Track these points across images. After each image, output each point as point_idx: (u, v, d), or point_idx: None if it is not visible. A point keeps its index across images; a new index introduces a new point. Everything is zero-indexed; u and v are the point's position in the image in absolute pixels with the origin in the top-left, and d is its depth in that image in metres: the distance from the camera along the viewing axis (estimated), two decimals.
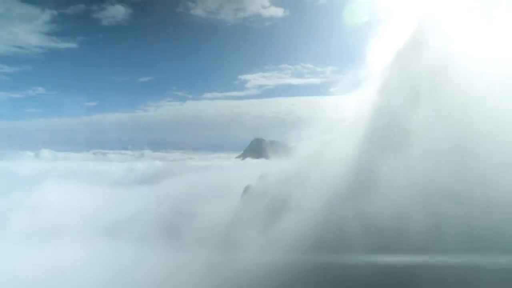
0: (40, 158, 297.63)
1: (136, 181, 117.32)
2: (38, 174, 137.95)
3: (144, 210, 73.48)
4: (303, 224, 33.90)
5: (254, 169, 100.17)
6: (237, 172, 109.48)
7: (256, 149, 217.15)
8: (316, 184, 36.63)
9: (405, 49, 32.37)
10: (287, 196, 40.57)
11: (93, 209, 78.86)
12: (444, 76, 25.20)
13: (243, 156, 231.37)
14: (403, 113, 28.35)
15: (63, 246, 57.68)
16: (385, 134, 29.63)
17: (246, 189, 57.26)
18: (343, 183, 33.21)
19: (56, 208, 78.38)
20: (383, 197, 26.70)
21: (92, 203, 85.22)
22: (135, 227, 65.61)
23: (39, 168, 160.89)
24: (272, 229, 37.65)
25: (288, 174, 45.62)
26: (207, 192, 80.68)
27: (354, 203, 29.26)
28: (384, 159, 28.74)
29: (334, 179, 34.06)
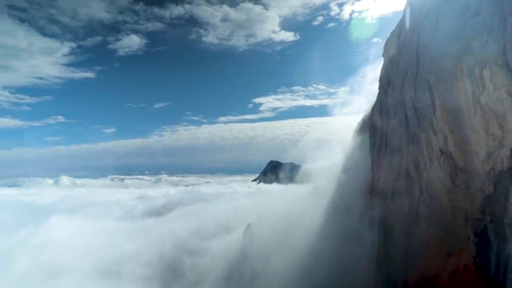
0: (59, 185, 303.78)
1: (145, 213, 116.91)
2: (52, 204, 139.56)
3: (147, 248, 72.55)
4: None
5: (263, 199, 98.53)
6: (246, 202, 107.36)
7: (272, 171, 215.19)
8: (283, 256, 36.31)
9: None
10: (265, 259, 40.21)
11: (96, 247, 78.26)
12: None
13: (259, 179, 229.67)
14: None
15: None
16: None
17: (247, 228, 56.48)
18: (311, 253, 32.55)
19: (59, 246, 78.34)
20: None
21: (96, 240, 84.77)
22: (135, 267, 64.78)
23: (55, 197, 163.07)
24: None
25: (273, 230, 45.16)
26: (213, 227, 79.63)
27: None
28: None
29: (301, 250, 33.59)
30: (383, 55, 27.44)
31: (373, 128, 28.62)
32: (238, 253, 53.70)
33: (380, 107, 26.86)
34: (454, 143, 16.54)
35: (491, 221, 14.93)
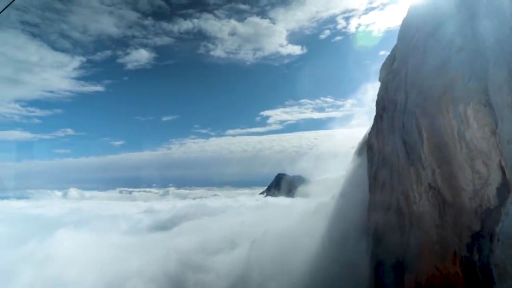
0: (68, 197, 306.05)
1: (151, 227, 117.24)
2: (59, 217, 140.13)
3: (152, 263, 72.16)
4: None
5: (269, 213, 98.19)
6: (252, 216, 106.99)
7: (279, 184, 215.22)
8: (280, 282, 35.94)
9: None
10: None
11: (100, 262, 78.00)
12: None
13: (267, 191, 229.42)
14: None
15: None
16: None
17: (253, 244, 56.41)
18: (307, 280, 32.13)
19: (64, 260, 78.12)
20: None
21: (101, 255, 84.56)
22: (139, 282, 64.43)
23: (63, 210, 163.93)
24: None
25: (274, 250, 44.90)
26: (219, 242, 79.23)
27: None
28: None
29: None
30: (379, 79, 27.25)
31: (370, 151, 28.33)
32: (242, 270, 53.29)
33: (376, 131, 26.62)
34: (442, 178, 16.20)
35: (479, 260, 14.56)
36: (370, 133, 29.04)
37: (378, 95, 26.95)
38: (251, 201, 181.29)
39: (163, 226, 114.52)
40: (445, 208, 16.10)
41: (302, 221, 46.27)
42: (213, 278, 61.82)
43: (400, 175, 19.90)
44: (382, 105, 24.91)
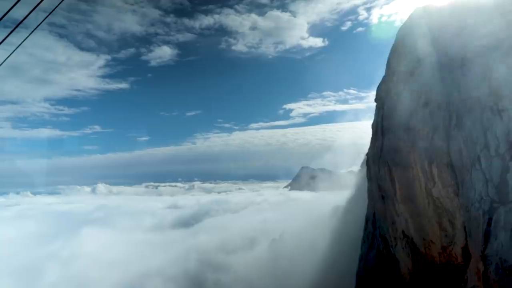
0: (96, 193, 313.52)
1: (174, 224, 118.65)
2: (87, 214, 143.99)
3: (172, 262, 73.29)
4: None
5: (290, 212, 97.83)
6: (273, 214, 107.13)
7: (303, 177, 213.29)
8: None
9: None
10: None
11: (123, 260, 79.79)
12: None
13: (291, 185, 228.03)
14: None
15: None
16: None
17: (272, 243, 57.04)
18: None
19: (89, 258, 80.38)
20: None
21: (124, 253, 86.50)
22: (160, 282, 65.72)
23: (91, 206, 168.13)
24: None
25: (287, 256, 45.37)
26: (239, 240, 79.62)
27: None
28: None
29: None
30: (375, 100, 26.44)
31: (368, 173, 27.56)
32: (260, 271, 53.81)
33: (372, 154, 25.88)
34: (414, 228, 15.70)
35: None
36: (368, 154, 28.29)
37: (375, 116, 26.24)
38: (275, 195, 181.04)
39: (186, 222, 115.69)
40: (418, 259, 15.71)
41: (317, 225, 46.18)
42: (231, 278, 62.41)
43: (379, 216, 19.45)
44: (375, 130, 24.26)
